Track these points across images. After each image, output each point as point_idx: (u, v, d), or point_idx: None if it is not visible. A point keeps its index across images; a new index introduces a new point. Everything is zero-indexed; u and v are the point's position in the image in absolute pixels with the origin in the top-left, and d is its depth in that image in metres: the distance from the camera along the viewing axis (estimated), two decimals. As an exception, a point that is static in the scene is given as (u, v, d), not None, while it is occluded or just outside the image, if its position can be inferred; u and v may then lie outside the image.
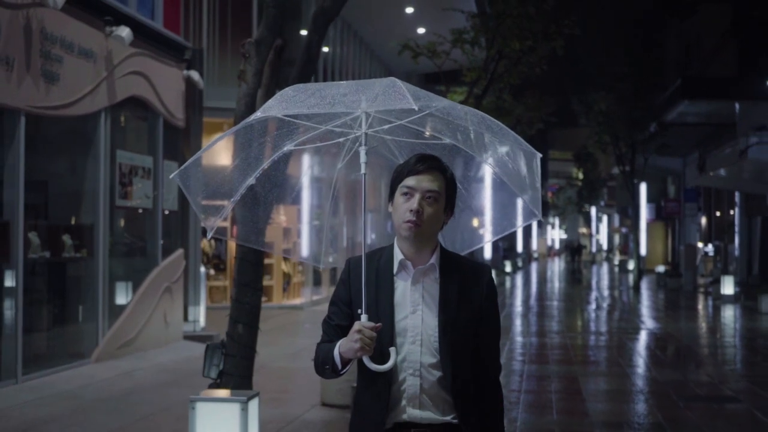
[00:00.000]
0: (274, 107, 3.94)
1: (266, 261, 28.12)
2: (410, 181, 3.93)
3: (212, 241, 25.28)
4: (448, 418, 3.92)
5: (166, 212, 18.20)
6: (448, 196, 4.01)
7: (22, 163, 13.09)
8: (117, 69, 15.68)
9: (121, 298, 16.33)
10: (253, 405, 6.68)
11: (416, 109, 3.68)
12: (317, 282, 31.13)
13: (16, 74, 12.82)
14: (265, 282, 28.14)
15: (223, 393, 7.01)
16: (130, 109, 16.96)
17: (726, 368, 16.84)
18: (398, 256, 4.00)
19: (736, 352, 19.55)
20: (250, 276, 9.43)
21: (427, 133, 4.22)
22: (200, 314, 19.78)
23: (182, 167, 4.22)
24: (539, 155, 4.19)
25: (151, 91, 17.02)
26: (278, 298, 28.12)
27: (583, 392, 13.76)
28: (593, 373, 15.95)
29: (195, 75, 18.67)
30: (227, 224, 4.68)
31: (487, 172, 4.31)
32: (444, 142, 4.18)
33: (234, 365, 9.21)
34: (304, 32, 27.23)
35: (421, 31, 32.70)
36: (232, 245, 27.47)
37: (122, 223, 17.31)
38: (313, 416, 11.48)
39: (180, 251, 18.59)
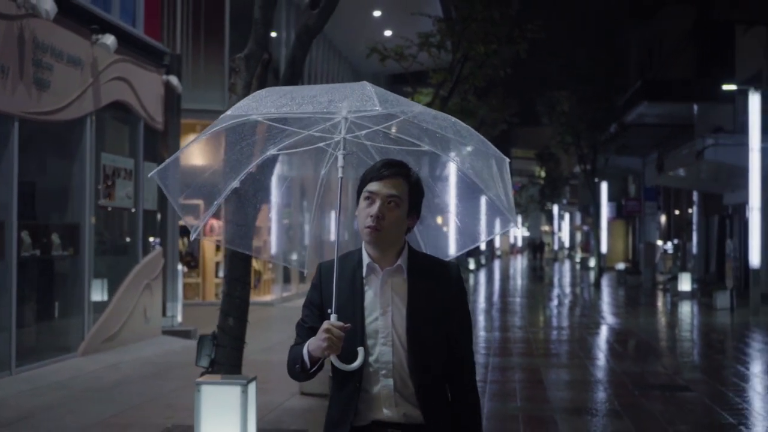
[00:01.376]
0: (247, 107, 4.02)
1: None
2: (372, 186, 3.99)
3: (185, 239, 25.88)
4: (418, 417, 3.97)
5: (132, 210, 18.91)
6: (412, 201, 4.04)
7: (15, 166, 13.81)
8: (102, 75, 16.40)
9: (105, 295, 17.02)
10: (252, 388, 7.49)
11: (379, 110, 3.79)
12: (287, 279, 31.88)
13: (11, 82, 13.53)
14: (237, 279, 28.95)
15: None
16: (114, 113, 17.68)
17: (680, 360, 17.79)
18: (366, 259, 4.06)
19: (690, 346, 20.53)
20: (239, 272, 10.22)
21: (394, 136, 4.30)
22: (178, 310, 20.52)
23: (161, 166, 4.29)
24: (508, 160, 4.31)
25: (132, 96, 17.74)
26: (251, 294, 28.80)
27: (544, 382, 14.64)
28: (555, 364, 16.85)
29: (174, 80, 19.42)
30: (203, 222, 4.59)
31: (462, 177, 4.35)
32: (423, 149, 4.26)
33: (225, 355, 9.98)
34: (274, 34, 28.00)
35: (388, 33, 33.37)
36: (205, 244, 28.23)
37: (106, 222, 18.00)
38: (293, 404, 12.27)
39: (158, 249, 19.33)
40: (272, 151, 4.32)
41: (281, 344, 16.94)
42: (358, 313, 3.97)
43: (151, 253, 18.89)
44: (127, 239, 18.59)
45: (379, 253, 4.02)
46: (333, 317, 3.84)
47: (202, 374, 10.05)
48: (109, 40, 16.02)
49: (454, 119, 4.11)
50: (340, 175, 4.03)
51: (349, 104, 3.93)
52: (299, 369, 3.97)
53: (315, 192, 4.47)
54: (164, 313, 19.88)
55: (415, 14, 25.40)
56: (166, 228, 20.28)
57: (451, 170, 4.44)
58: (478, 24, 22.37)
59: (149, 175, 4.30)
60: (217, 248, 28.44)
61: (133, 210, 18.41)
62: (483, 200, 4.37)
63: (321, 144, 4.25)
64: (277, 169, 4.51)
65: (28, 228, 14.76)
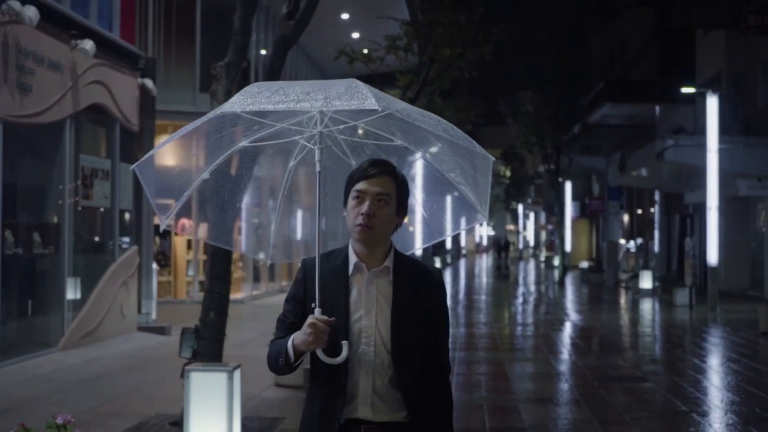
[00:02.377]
0: (238, 103, 4.02)
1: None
2: (361, 185, 4.02)
3: (156, 238, 26.33)
4: (399, 417, 4.02)
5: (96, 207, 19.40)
6: (400, 199, 4.10)
7: (0, 167, 14.33)
8: (80, 79, 16.90)
9: (84, 292, 17.52)
10: (237, 375, 8.08)
11: (379, 110, 3.80)
12: (257, 278, 32.39)
13: (-5, 86, 14.06)
14: (208, 278, 29.46)
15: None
16: (91, 116, 18.19)
17: (638, 354, 18.53)
18: (353, 258, 4.09)
19: (649, 341, 21.30)
20: (220, 270, 10.80)
21: (367, 132, 4.36)
22: (152, 307, 21.06)
23: (141, 160, 4.33)
24: (492, 159, 4.36)
25: (109, 99, 18.26)
26: (220, 292, 29.30)
27: (509, 374, 15.31)
28: (518, 358, 17.55)
29: (149, 83, 19.96)
30: (173, 212, 4.54)
31: (437, 173, 4.40)
32: (395, 144, 4.32)
33: (206, 347, 10.57)
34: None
35: (355, 35, 33.89)
36: (176, 242, 28.71)
37: (84, 221, 18.49)
38: (269, 395, 12.87)
39: (134, 248, 19.87)
40: (244, 143, 4.34)
41: (253, 340, 17.50)
42: (342, 310, 4.01)
43: (126, 251, 19.42)
44: (104, 238, 19.10)
45: (367, 252, 4.08)
46: (317, 311, 3.90)
47: (185, 365, 10.64)
48: (88, 45, 16.53)
49: (439, 117, 4.15)
50: (318, 169, 4.07)
51: (348, 101, 3.90)
52: (282, 363, 4.00)
53: (282, 185, 4.53)
54: (139, 310, 20.39)
55: (381, 17, 25.90)
56: (141, 227, 20.79)
57: (422, 165, 4.48)
58: (444, 28, 22.89)
59: (131, 168, 4.38)
60: (189, 247, 28.93)
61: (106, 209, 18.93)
62: (453, 195, 4.42)
63: (296, 137, 4.32)
64: (251, 162, 4.49)
65: (11, 227, 15.26)
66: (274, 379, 13.40)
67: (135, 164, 4.27)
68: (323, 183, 4.21)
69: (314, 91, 3.96)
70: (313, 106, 3.93)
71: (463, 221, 4.53)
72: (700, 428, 11.28)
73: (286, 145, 4.40)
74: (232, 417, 7.99)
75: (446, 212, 4.54)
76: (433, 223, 4.55)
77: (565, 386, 14.38)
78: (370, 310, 4.04)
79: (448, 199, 4.46)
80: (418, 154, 4.39)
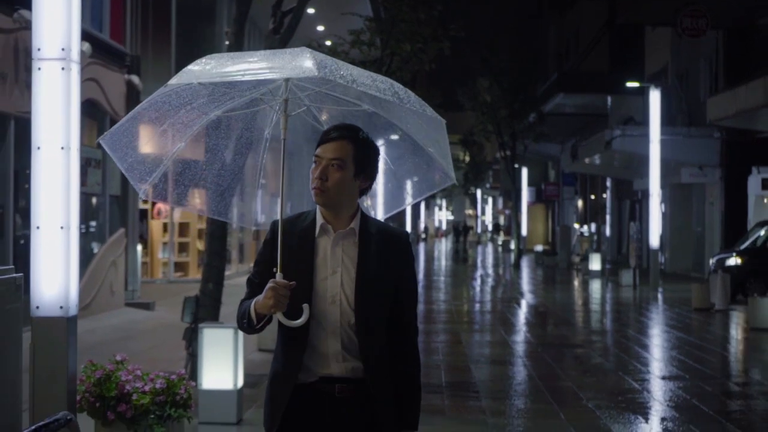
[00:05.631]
0: (193, 73, 4.12)
1: (182, 240, 31.29)
2: (319, 150, 4.12)
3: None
4: (363, 375, 4.14)
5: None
6: (359, 162, 4.13)
7: (12, 158, 16.13)
8: (77, 77, 18.65)
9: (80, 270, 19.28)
10: (240, 332, 9.96)
11: (317, 75, 3.86)
12: (228, 259, 34.08)
13: (8, 86, 15.83)
14: (182, 259, 31.32)
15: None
16: (85, 110, 19.84)
17: (578, 326, 20.64)
18: (320, 219, 4.17)
19: (590, 315, 23.38)
20: (217, 246, 12.69)
21: (335, 97, 4.41)
22: (138, 285, 22.91)
23: (109, 131, 4.39)
24: (444, 121, 4.46)
25: (101, 94, 20.05)
26: (194, 272, 31.12)
27: (463, 342, 17.31)
28: (473, 330, 19.61)
29: (135, 79, 21.77)
30: (150, 182, 4.55)
31: (404, 136, 4.49)
32: (363, 109, 4.39)
33: (206, 313, 12.41)
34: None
35: (320, 28, 35.56)
36: (152, 225, 30.44)
37: (81, 206, 20.25)
38: (253, 357, 14.72)
39: (121, 230, 21.69)
40: (216, 113, 4.42)
41: (229, 316, 19.31)
42: (308, 271, 4.11)
43: (115, 234, 21.23)
44: (98, 221, 20.88)
45: (332, 214, 4.16)
46: (278, 275, 4.01)
47: (186, 329, 12.51)
48: (85, 46, 18.26)
49: (392, 81, 4.21)
50: (282, 137, 4.16)
51: (291, 69, 3.99)
52: (246, 324, 4.12)
53: (260, 153, 4.62)
54: (126, 288, 22.20)
55: (345, 14, 27.52)
56: (127, 211, 22.59)
57: (392, 130, 4.55)
58: (405, 24, 24.60)
59: (98, 140, 4.45)
60: (165, 230, 30.67)
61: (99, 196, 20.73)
62: (422, 158, 4.52)
63: (265, 106, 4.41)
64: (224, 132, 4.54)
65: (20, 212, 17.06)
66: (257, 344, 15.24)
67: (101, 137, 4.37)
68: (297, 152, 4.47)
69: (266, 61, 4.11)
70: (269, 74, 4.05)
71: (433, 183, 4.65)
72: (622, 382, 13.26)
73: (258, 114, 4.52)
74: (237, 365, 9.89)
75: (419, 175, 4.65)
76: (406, 186, 4.71)
77: (511, 351, 16.36)
78: (336, 270, 4.13)
79: (419, 162, 4.55)
80: (389, 119, 4.46)
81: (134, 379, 7.47)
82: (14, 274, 6.45)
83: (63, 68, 6.61)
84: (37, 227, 6.57)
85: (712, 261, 27.15)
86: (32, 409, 6.39)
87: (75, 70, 6.68)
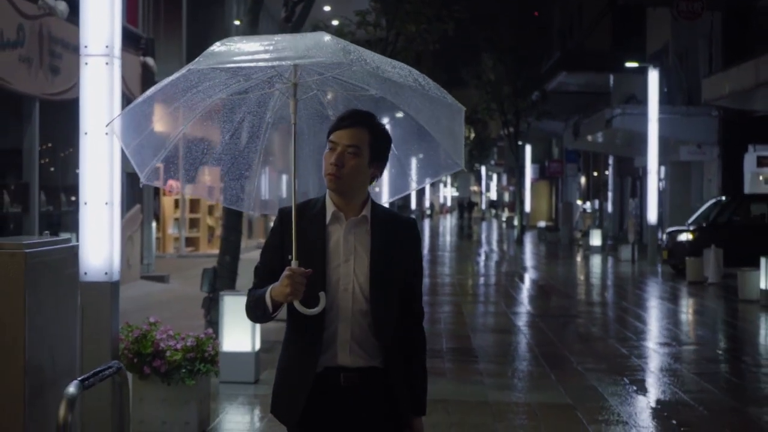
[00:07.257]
0: (211, 59, 4.06)
1: (193, 216, 32.20)
2: (334, 136, 4.06)
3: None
4: (376, 363, 4.10)
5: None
6: (375, 150, 4.11)
7: (36, 138, 17.03)
8: (96, 60, 19.53)
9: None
10: (257, 298, 10.89)
11: (346, 62, 3.88)
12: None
13: (33, 69, 16.70)
14: (193, 234, 32.24)
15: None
16: (104, 91, 20.82)
17: (576, 298, 21.55)
18: (331, 207, 4.12)
19: (588, 288, 24.31)
20: (233, 221, 13.59)
21: (343, 82, 4.39)
22: (152, 259, 23.85)
23: (115, 117, 4.46)
24: (463, 108, 4.36)
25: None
26: (204, 247, 32.07)
27: (464, 313, 18.22)
28: (475, 301, 20.56)
29: (150, 61, 22.64)
30: (153, 164, 4.55)
31: (413, 122, 4.41)
32: (371, 94, 4.37)
33: (223, 284, 13.32)
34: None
35: (327, 9, 36.36)
36: (164, 201, 31.33)
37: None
38: (267, 325, 15.61)
39: (137, 206, 22.60)
40: (221, 95, 4.40)
41: (240, 286, 20.19)
42: (320, 259, 4.06)
43: (131, 210, 22.13)
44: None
45: (344, 202, 4.13)
46: (294, 263, 3.95)
47: (205, 298, 13.44)
48: (62, 6, 19.00)
49: (410, 68, 4.17)
50: (293, 121, 4.13)
51: (311, 53, 3.92)
52: (260, 313, 4.06)
53: (263, 137, 4.57)
54: (141, 261, 23.14)
55: (352, -5, 28.24)
56: (142, 189, 23.48)
57: (399, 115, 4.50)
58: (410, 5, 25.39)
59: (105, 126, 4.30)
60: (176, 206, 31.57)
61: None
62: (429, 144, 4.47)
63: (274, 89, 4.40)
64: (230, 115, 4.51)
65: (45, 189, 17.98)
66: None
67: (108, 123, 4.43)
68: (300, 135, 4.31)
69: (284, 45, 4.00)
70: (286, 58, 3.94)
71: (440, 169, 4.64)
72: (612, 349, 14.17)
73: (263, 99, 4.48)
74: (255, 330, 10.83)
75: (425, 160, 4.63)
76: (411, 172, 4.67)
77: (509, 320, 17.26)
78: (349, 258, 4.09)
79: (426, 147, 4.51)
80: (396, 104, 4.41)
81: (167, 338, 8.42)
82: (73, 243, 7.29)
83: (107, 63, 7.45)
84: (85, 203, 7.39)
85: (665, 236, 28.13)
86: (81, 360, 7.24)
87: (117, 64, 7.53)
